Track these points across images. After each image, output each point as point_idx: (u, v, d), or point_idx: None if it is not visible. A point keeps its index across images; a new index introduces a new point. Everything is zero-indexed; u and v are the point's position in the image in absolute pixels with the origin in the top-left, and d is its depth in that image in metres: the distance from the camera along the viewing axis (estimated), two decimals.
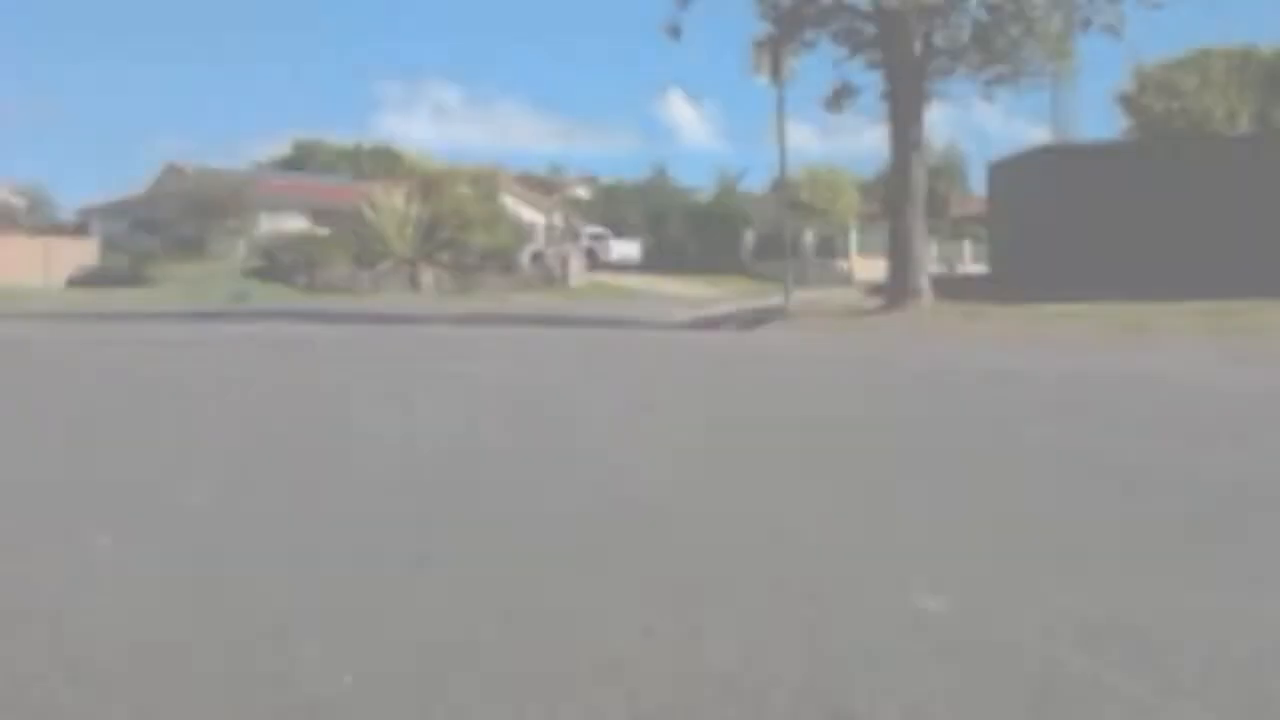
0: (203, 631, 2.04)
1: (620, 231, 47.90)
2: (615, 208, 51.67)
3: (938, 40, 17.06)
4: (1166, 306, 13.70)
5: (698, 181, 59.76)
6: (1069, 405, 6.26)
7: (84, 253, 38.27)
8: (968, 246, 45.99)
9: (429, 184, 37.54)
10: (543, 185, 51.20)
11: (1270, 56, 31.38)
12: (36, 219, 46.90)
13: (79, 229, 45.47)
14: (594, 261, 42.07)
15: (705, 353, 11.39)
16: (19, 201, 38.73)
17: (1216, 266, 16.68)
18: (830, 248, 46.04)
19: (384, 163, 52.88)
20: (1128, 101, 37.67)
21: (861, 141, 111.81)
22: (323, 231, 37.77)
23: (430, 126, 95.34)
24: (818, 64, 28.36)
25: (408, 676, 1.81)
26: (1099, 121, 76.46)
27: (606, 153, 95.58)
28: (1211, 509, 3.09)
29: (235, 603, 2.24)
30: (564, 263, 37.63)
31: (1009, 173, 24.14)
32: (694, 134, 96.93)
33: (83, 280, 35.01)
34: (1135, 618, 2.10)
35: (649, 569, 2.49)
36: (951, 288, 18.89)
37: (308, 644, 1.97)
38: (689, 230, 48.88)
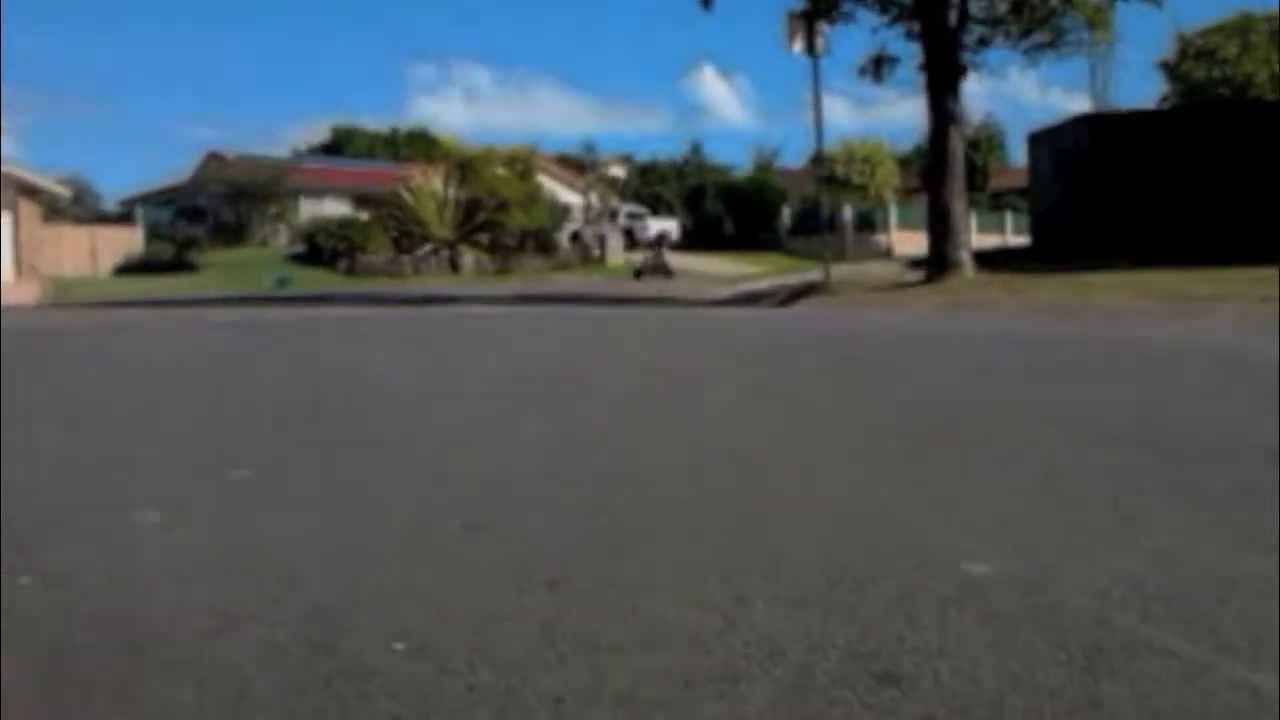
0: (251, 604, 2.07)
1: (657, 210, 47.80)
2: (651, 186, 51.54)
3: (974, 9, 16.86)
4: (1210, 274, 13.49)
5: (733, 158, 59.59)
6: (1111, 373, 6.20)
7: (129, 241, 38.78)
8: (1009, 218, 45.44)
9: (465, 166, 37.67)
10: (578, 165, 51.10)
11: None
12: (82, 209, 47.54)
13: (124, 218, 46.05)
14: (632, 240, 42.02)
15: (746, 328, 11.37)
16: (65, 192, 39.22)
17: (1261, 234, 16.40)
18: (869, 222, 45.64)
19: (421, 146, 53.05)
20: (1168, 68, 37.03)
21: (897, 114, 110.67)
22: (363, 216, 38.04)
23: (464, 109, 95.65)
24: (852, 37, 28.21)
25: (456, 644, 1.82)
26: (1139, 89, 75.30)
27: (641, 132, 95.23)
28: (1259, 475, 3.04)
29: (284, 575, 2.27)
30: (602, 242, 37.64)
31: (1049, 143, 23.84)
32: (728, 110, 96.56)
33: (129, 268, 35.50)
34: (1186, 581, 2.08)
35: (698, 539, 2.49)
36: (993, 260, 18.71)
37: (357, 614, 1.99)
38: (725, 208, 48.70)
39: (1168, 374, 6.07)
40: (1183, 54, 36.23)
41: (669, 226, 46.45)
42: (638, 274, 30.48)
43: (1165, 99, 35.92)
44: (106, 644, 1.88)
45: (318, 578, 2.26)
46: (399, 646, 1.83)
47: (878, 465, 3.47)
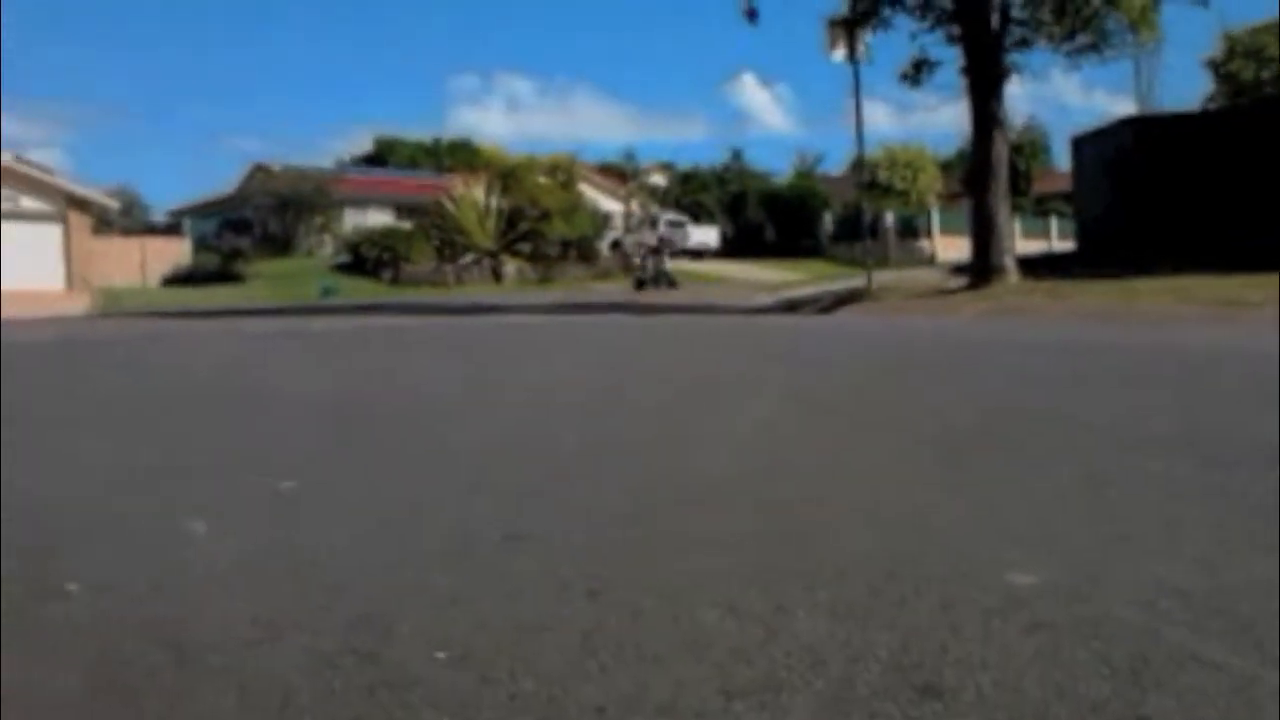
0: (295, 612, 2.10)
1: (698, 218, 47.80)
2: (692, 194, 51.54)
3: (1016, 12, 16.71)
4: (1259, 279, 13.25)
5: (775, 166, 59.43)
6: (1156, 379, 6.12)
7: (177, 253, 39.37)
8: (1054, 223, 44.95)
9: (507, 176, 37.87)
10: (619, 174, 51.26)
11: None
12: (131, 221, 48.31)
13: (171, 229, 46.75)
14: (672, 248, 42.03)
15: (787, 336, 11.34)
16: (113, 204, 39.89)
17: None
18: (912, 228, 45.39)
19: (463, 156, 53.40)
20: (1215, 68, 36.45)
21: (939, 119, 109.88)
22: (406, 226, 38.35)
23: (505, 119, 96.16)
24: (893, 43, 28.08)
25: (497, 653, 1.83)
26: (1185, 90, 74.10)
27: (681, 140, 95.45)
28: None
29: (327, 583, 2.30)
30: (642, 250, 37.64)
31: (1094, 146, 23.57)
32: (769, 118, 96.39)
33: (177, 279, 36.02)
34: (1231, 590, 2.05)
35: (739, 549, 2.49)
36: (1038, 266, 18.51)
37: (400, 623, 2.01)
38: (767, 215, 48.57)
39: (1212, 380, 5.98)
40: (1230, 53, 35.68)
41: (709, 234, 46.47)
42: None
43: (1212, 99, 35.40)
44: (153, 651, 1.91)
45: (361, 586, 2.28)
46: (441, 655, 1.84)
47: (920, 473, 3.44)
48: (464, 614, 2.06)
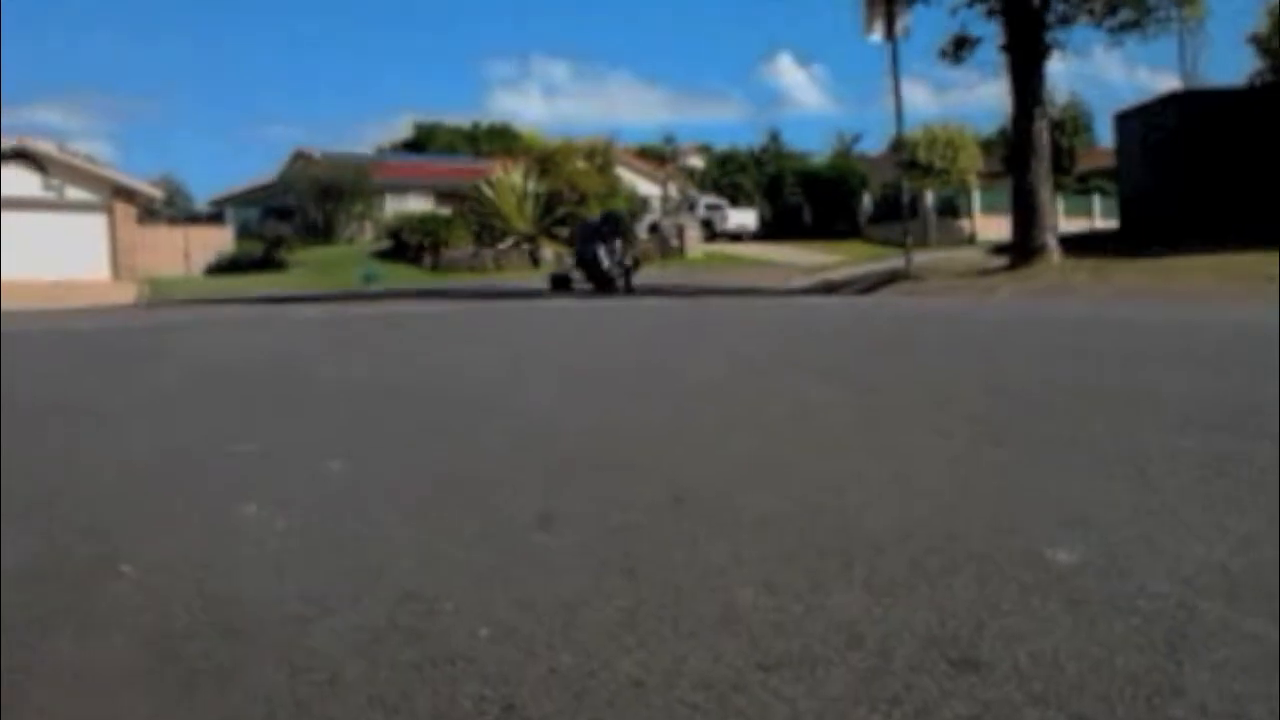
0: (343, 592, 2.14)
1: (736, 200, 47.61)
2: (730, 176, 51.31)
3: None
4: None
5: (812, 146, 59.09)
6: (1200, 357, 6.05)
7: (220, 241, 39.81)
8: (1097, 201, 44.36)
9: (545, 160, 37.93)
10: (656, 157, 51.14)
11: None
12: (175, 210, 48.90)
13: (214, 218, 47.27)
14: (711, 231, 41.93)
15: (825, 317, 11.30)
16: (158, 193, 40.40)
17: None
18: (952, 208, 44.96)
19: (501, 141, 53.52)
20: (1259, 43, 35.73)
21: (978, 98, 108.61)
22: (445, 212, 38.52)
23: (542, 104, 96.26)
24: (931, 19, 27.66)
25: (539, 630, 1.87)
26: (1230, 66, 72.74)
27: (718, 121, 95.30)
28: None
29: (374, 564, 2.34)
30: (681, 233, 37.63)
31: (1138, 123, 23.22)
32: (806, 98, 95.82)
33: (220, 268, 36.43)
34: (1271, 565, 2.04)
35: (778, 526, 2.51)
36: (1080, 244, 18.30)
37: (443, 601, 2.05)
38: (805, 196, 48.27)
39: (1257, 358, 5.90)
40: (1276, 27, 34.95)
41: (747, 216, 46.28)
42: (560, 283, 21.32)
43: (1258, 75, 34.73)
44: (204, 629, 1.96)
45: (405, 565, 2.32)
46: (484, 632, 1.88)
47: (961, 451, 3.44)
48: (506, 592, 2.10)
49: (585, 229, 22.50)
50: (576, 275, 21.33)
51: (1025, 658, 1.66)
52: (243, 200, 48.72)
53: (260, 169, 55.39)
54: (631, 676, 1.66)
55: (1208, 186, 19.51)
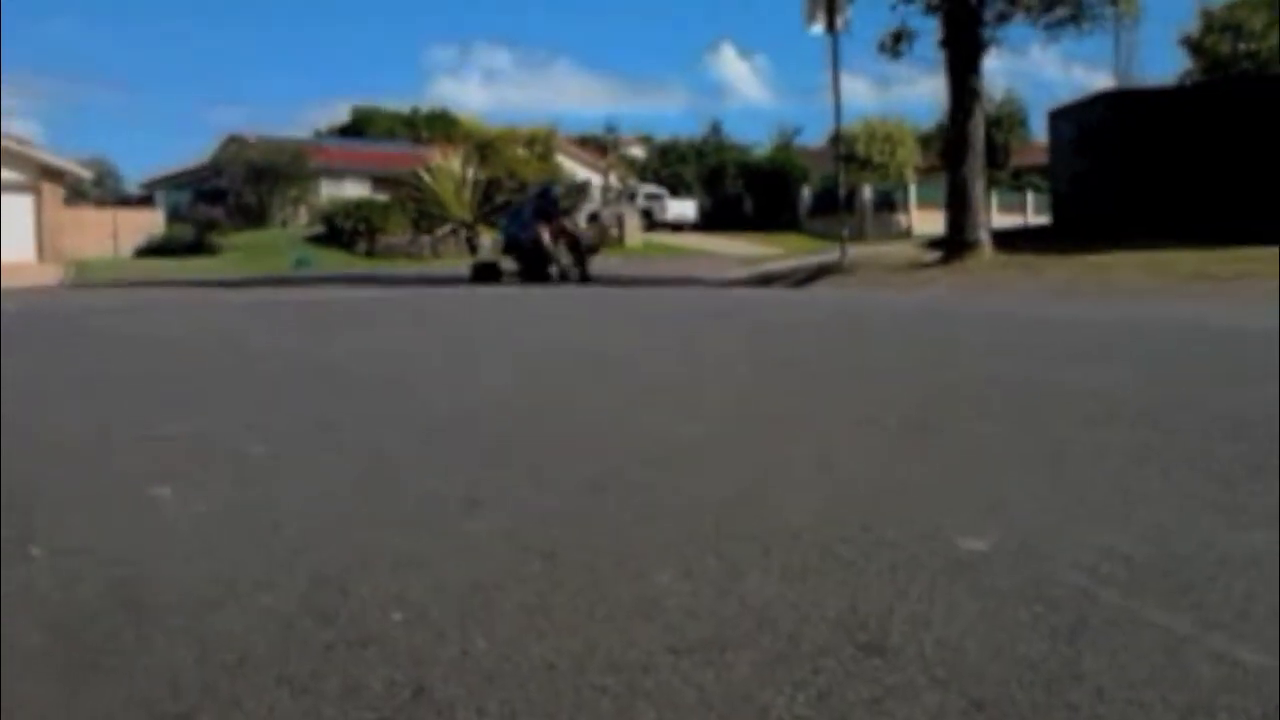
0: (256, 575, 2.12)
1: (676, 190, 47.70)
2: (671, 166, 51.40)
3: None
4: (1230, 253, 13.41)
5: (753, 138, 59.34)
6: (1123, 352, 6.19)
7: (151, 224, 39.07)
8: (1030, 197, 45.09)
9: (485, 147, 37.68)
10: (598, 146, 51.06)
11: None
12: (104, 192, 47.85)
13: (145, 200, 46.35)
14: (650, 221, 41.96)
15: (761, 308, 11.37)
16: (87, 174, 39.49)
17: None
18: (890, 202, 45.44)
19: (441, 127, 53.03)
20: (1191, 44, 36.58)
21: (918, 92, 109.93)
22: (382, 198, 38.11)
23: (483, 90, 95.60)
24: (872, 15, 27.77)
25: (453, 614, 1.87)
26: (1163, 65, 74.45)
27: (660, 111, 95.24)
28: (1256, 450, 3.06)
29: (290, 548, 2.32)
30: (620, 222, 37.60)
31: (1071, 120, 23.60)
32: (748, 90, 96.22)
33: (150, 250, 35.74)
34: (1178, 557, 2.10)
35: (698, 512, 2.52)
36: (1012, 239, 18.59)
37: (359, 585, 2.03)
38: (745, 188, 48.50)
39: (1175, 353, 6.06)
40: (1207, 28, 35.83)
41: (687, 207, 46.35)
42: (483, 272, 18.91)
43: (1188, 75, 35.54)
44: (112, 612, 1.93)
45: (324, 550, 2.30)
46: (398, 616, 1.87)
47: (884, 441, 3.48)
48: (423, 576, 2.09)
49: (518, 207, 19.76)
50: (507, 262, 18.59)
51: (930, 643, 1.69)
52: (175, 183, 47.79)
53: (195, 152, 54.32)
54: (544, 660, 1.66)
55: (1137, 184, 19.90)
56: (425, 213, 34.31)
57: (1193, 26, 36.23)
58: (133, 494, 2.87)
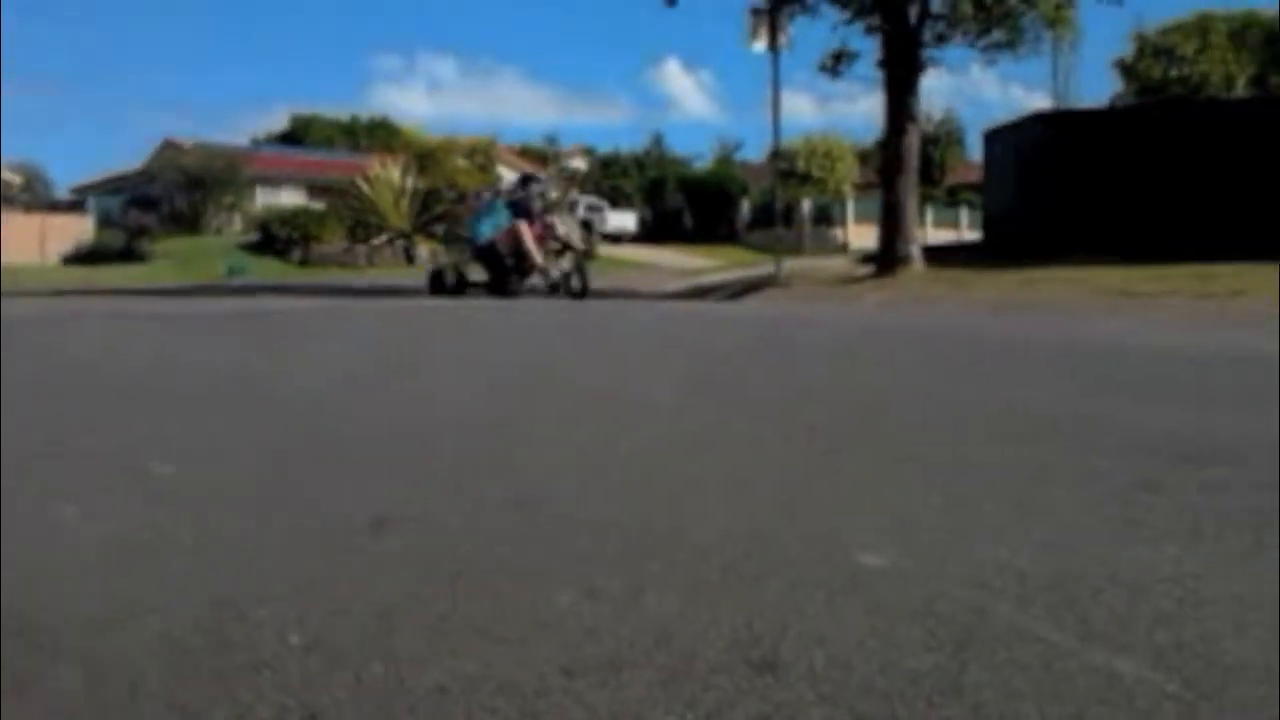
0: (154, 598, 2.09)
1: (617, 202, 47.83)
2: (613, 179, 51.55)
3: (935, 6, 17.03)
4: (1156, 271, 13.76)
5: (696, 152, 59.68)
6: (1039, 369, 6.32)
7: (80, 230, 38.34)
8: (964, 213, 45.88)
9: (425, 157, 37.51)
10: (539, 157, 51.04)
11: (1270, 21, 31.26)
12: (32, 197, 46.82)
13: (75, 206, 45.44)
14: (591, 232, 41.97)
15: (689, 322, 11.42)
16: (15, 179, 38.65)
17: (1209, 230, 16.70)
18: (827, 217, 45.99)
19: (381, 136, 52.71)
20: (1125, 67, 37.52)
21: (859, 109, 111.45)
22: (318, 206, 37.76)
23: (426, 99, 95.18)
24: (816, 33, 28.14)
25: (352, 636, 1.86)
26: (1100, 87, 76.19)
27: (603, 124, 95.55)
28: (1154, 466, 3.15)
29: (191, 570, 2.30)
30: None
31: (1004, 140, 24.06)
32: (691, 104, 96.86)
33: (78, 258, 35.07)
34: (1068, 572, 2.15)
35: (606, 531, 2.54)
36: (944, 255, 18.90)
37: (257, 608, 2.02)
38: (685, 201, 48.79)
39: (1093, 370, 6.20)
40: (1140, 53, 36.75)
41: (627, 219, 46.48)
42: (436, 281, 16.03)
43: (1120, 97, 36.42)
44: (3, 637, 1.90)
45: (226, 572, 2.28)
46: (295, 640, 1.86)
47: (794, 457, 3.52)
48: (325, 598, 2.08)
49: (489, 202, 16.04)
50: (474, 270, 15.58)
51: (822, 659, 1.72)
52: (106, 189, 46.97)
53: (129, 157, 53.43)
54: (437, 683, 1.66)
55: (1068, 203, 20.34)
56: (361, 222, 34.07)
57: (1126, 51, 37.16)
58: (35, 510, 2.82)
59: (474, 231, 15.86)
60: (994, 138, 25.01)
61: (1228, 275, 12.71)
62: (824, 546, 2.36)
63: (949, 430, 4.01)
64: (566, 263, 15.28)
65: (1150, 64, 36.17)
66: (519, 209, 15.62)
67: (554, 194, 18.05)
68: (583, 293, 14.65)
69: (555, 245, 15.34)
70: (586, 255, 16.19)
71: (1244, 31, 34.49)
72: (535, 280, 15.53)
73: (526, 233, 15.19)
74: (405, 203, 33.99)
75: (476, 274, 15.82)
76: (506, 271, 15.26)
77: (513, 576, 2.20)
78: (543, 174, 18.26)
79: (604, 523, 2.62)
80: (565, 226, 15.74)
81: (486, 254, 15.47)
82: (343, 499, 2.96)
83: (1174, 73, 35.37)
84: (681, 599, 2.02)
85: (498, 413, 4.82)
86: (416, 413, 4.79)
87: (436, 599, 2.05)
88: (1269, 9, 31.26)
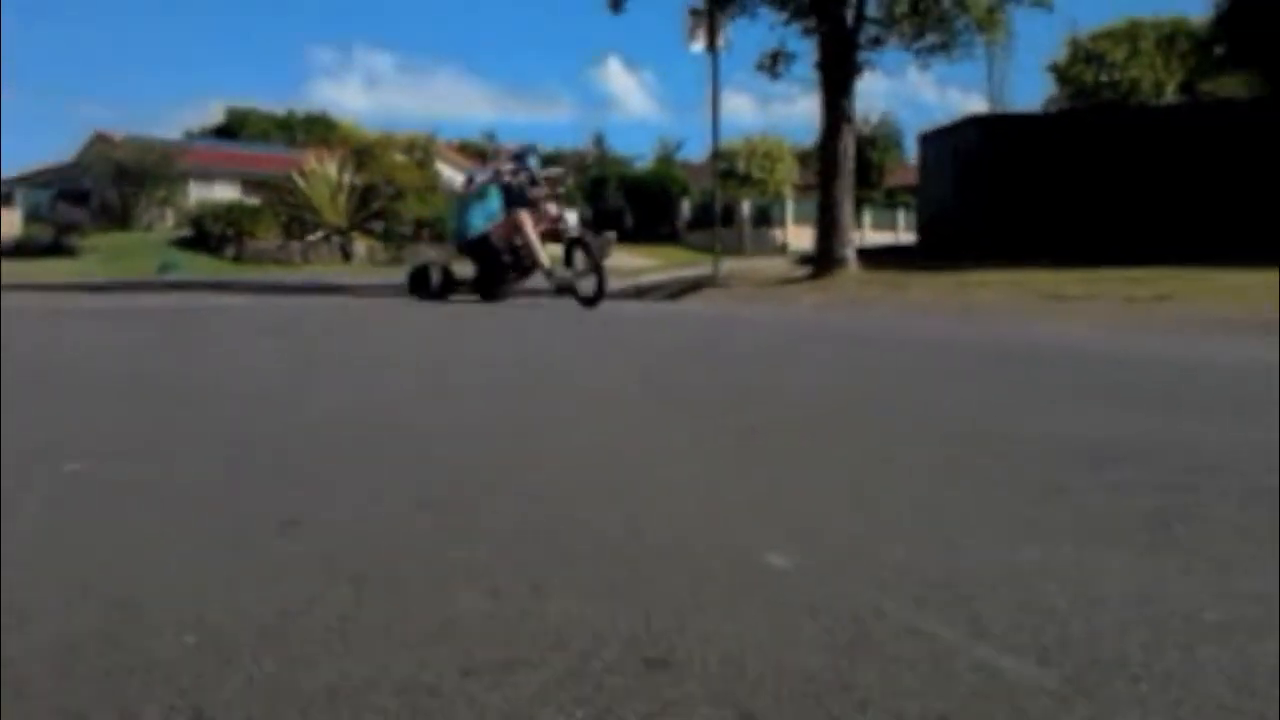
0: (50, 602, 2.06)
1: (557, 201, 47.75)
2: None
3: (871, 9, 17.21)
4: (1086, 274, 14.05)
5: (637, 151, 59.79)
6: (965, 371, 6.42)
7: (7, 224, 37.43)
8: (901, 215, 46.44)
9: (363, 152, 37.16)
10: (479, 154, 50.79)
11: (1198, 28, 31.99)
12: None
13: (1, 200, 44.38)
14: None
15: (624, 321, 11.43)
16: None
17: (1140, 234, 17.10)
18: (767, 217, 46.31)
19: (318, 131, 52.13)
20: (1058, 72, 38.27)
21: (799, 111, 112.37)
22: (254, 201, 37.22)
23: (364, 94, 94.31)
24: (756, 33, 28.38)
25: (247, 637, 1.85)
26: (1035, 92, 77.58)
27: (544, 122, 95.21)
28: (1062, 467, 3.22)
29: (92, 572, 2.26)
30: None
31: (938, 143, 24.43)
32: (633, 103, 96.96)
33: (4, 252, 34.26)
34: (964, 570, 2.20)
35: (514, 532, 2.54)
36: (880, 257, 19.12)
37: (155, 610, 2.00)
38: (626, 200, 48.85)
39: (1017, 372, 6.31)
40: (1073, 58, 37.53)
41: (568, 217, 46.37)
42: (418, 280, 14.11)
43: (1054, 101, 37.15)
44: None
45: (127, 573, 2.25)
46: (190, 640, 1.84)
47: (714, 458, 3.55)
48: (225, 599, 2.06)
49: (481, 188, 13.42)
50: (462, 267, 13.63)
51: (715, 658, 1.74)
52: (35, 182, 45.89)
53: (59, 150, 52.30)
54: (329, 685, 1.66)
55: (1001, 206, 20.70)
56: (297, 218, 33.65)
57: (1060, 56, 37.90)
58: None
59: (462, 223, 13.45)
60: (929, 140, 25.38)
61: (1155, 279, 13.00)
62: (732, 546, 2.38)
63: (873, 432, 4.06)
64: (580, 261, 12.92)
65: (1083, 69, 36.96)
66: (514, 196, 13.26)
67: (550, 173, 15.17)
68: (597, 297, 12.23)
69: (568, 238, 13.08)
70: (603, 248, 13.57)
71: (1172, 39, 35.32)
72: (540, 280, 13.49)
73: (528, 224, 12.90)
74: (342, 199, 33.64)
75: (465, 271, 13.71)
76: (502, 270, 13.17)
77: (416, 578, 2.19)
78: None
79: (513, 525, 2.62)
80: (578, 224, 13.80)
81: (478, 249, 13.17)
82: (258, 500, 2.93)
83: (1105, 78, 36.18)
84: (583, 600, 2.03)
85: (417, 412, 4.80)
86: (341, 412, 4.75)
87: (338, 601, 2.04)
88: (1197, 17, 31.98)
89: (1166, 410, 4.60)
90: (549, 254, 13.70)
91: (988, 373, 6.31)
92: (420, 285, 13.91)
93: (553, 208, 13.50)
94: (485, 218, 13.27)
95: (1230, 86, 29.14)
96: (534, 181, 13.63)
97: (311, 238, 32.93)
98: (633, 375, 6.41)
